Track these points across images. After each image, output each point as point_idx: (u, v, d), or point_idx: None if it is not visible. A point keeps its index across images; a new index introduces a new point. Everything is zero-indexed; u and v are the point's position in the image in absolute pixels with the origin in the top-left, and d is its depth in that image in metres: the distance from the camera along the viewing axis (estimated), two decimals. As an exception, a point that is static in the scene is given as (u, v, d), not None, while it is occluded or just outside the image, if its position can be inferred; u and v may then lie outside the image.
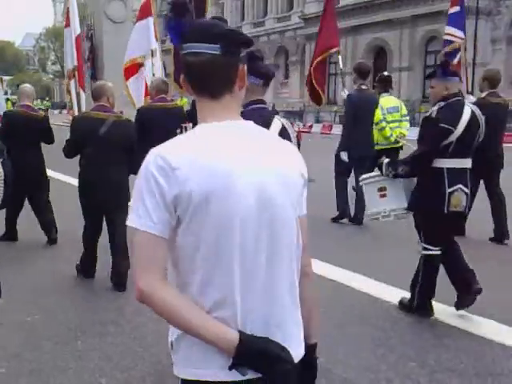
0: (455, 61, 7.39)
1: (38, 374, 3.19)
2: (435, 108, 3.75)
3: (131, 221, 1.31)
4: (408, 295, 4.05)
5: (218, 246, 1.29)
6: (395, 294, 4.26)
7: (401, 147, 7.00)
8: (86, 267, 4.86)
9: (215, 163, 1.29)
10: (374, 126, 6.83)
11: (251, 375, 1.29)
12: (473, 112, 3.75)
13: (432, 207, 3.77)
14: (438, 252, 3.85)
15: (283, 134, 2.81)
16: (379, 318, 3.95)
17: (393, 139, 6.85)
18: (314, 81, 8.19)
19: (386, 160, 4.07)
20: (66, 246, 5.81)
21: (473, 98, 6.29)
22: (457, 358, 3.29)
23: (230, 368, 1.28)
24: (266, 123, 2.75)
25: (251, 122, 1.42)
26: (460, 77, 4.04)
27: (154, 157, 1.30)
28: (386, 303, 4.21)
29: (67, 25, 9.56)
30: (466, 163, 3.80)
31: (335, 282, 4.63)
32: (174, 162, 1.27)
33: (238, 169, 1.30)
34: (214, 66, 1.34)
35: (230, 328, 1.29)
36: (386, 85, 7.16)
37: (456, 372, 3.14)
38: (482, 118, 3.80)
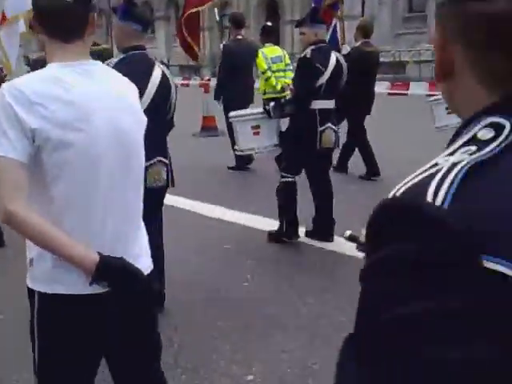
0: (339, 12, 7.57)
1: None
2: (309, 50, 4.07)
3: None
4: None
5: (80, 174, 1.41)
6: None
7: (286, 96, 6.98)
8: None
9: (72, 98, 1.39)
10: (260, 76, 6.78)
11: (99, 290, 1.43)
12: (337, 58, 4.17)
13: (306, 144, 4.09)
14: (293, 179, 4.23)
15: (164, 80, 2.87)
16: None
17: (279, 88, 6.73)
18: (187, 37, 7.78)
19: (272, 103, 4.43)
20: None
21: (348, 48, 6.76)
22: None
23: (91, 283, 1.41)
24: (148, 68, 2.85)
25: (100, 63, 1.55)
26: (327, 24, 4.37)
27: (8, 87, 1.36)
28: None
29: None
30: (332, 104, 4.21)
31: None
32: (32, 96, 1.34)
33: (94, 104, 1.42)
34: (66, 13, 1.42)
35: (90, 248, 1.42)
36: (269, 35, 7.05)
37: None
38: (344, 64, 4.22)
